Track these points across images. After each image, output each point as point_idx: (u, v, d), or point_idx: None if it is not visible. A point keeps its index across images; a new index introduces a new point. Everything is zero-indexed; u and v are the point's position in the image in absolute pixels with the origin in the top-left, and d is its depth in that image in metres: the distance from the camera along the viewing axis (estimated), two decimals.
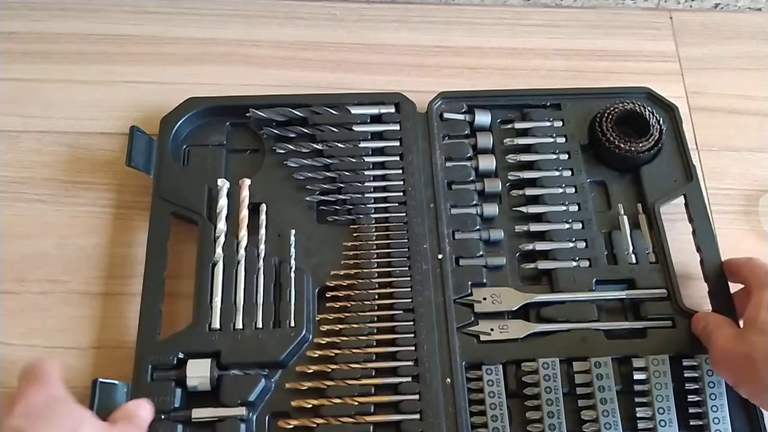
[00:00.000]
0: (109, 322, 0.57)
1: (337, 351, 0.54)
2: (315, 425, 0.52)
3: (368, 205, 0.61)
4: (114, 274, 0.59)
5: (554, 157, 0.64)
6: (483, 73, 0.72)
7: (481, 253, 0.59)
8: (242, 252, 0.58)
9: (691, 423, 0.54)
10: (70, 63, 0.70)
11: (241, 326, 0.55)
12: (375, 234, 0.60)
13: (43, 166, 0.64)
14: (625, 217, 0.62)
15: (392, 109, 0.65)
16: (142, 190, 0.62)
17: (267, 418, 0.53)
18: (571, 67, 0.72)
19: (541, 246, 0.60)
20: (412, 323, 0.56)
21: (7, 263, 0.59)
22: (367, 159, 0.63)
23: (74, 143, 0.65)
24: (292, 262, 0.58)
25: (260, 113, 0.63)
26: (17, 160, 0.64)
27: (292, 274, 0.57)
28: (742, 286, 0.57)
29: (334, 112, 0.64)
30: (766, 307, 0.50)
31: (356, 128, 0.64)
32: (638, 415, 0.54)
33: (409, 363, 0.54)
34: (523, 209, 0.62)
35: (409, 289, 0.57)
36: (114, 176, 0.64)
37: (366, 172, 0.62)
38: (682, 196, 0.62)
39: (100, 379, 0.51)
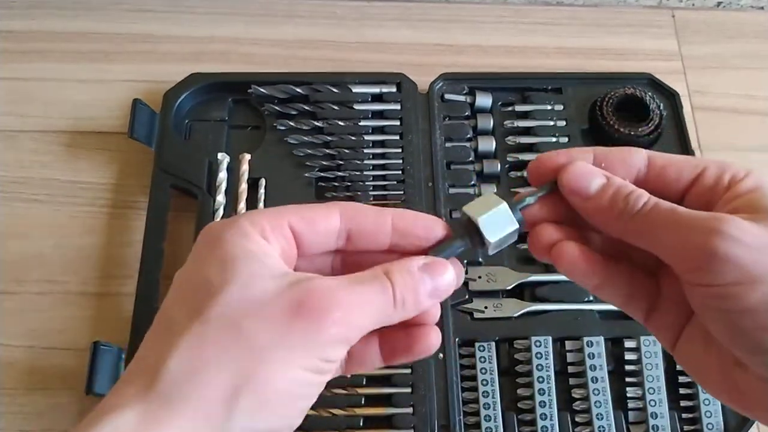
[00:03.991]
0: (107, 323, 0.57)
1: None
2: None
3: (366, 183, 0.61)
4: (112, 274, 0.59)
5: (554, 140, 0.64)
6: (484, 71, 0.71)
7: None
8: None
9: (681, 404, 0.54)
10: (68, 62, 0.69)
11: None
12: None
13: (42, 165, 0.64)
14: None
15: (393, 89, 0.65)
16: (141, 190, 0.62)
17: None
18: (573, 66, 0.71)
19: None
20: None
21: (5, 263, 0.59)
22: (367, 137, 0.63)
23: (72, 143, 0.65)
24: None
25: (262, 90, 0.64)
26: (15, 160, 0.64)
27: None
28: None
29: (336, 90, 0.64)
30: None
31: (357, 107, 0.64)
32: (628, 395, 0.54)
33: None
34: (521, 190, 0.62)
35: None
36: (112, 176, 0.63)
37: (365, 150, 0.63)
38: None
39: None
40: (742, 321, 0.27)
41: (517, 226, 0.31)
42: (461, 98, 0.66)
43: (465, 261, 0.58)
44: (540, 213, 0.33)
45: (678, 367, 0.55)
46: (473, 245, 0.32)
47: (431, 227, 0.32)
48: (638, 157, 0.32)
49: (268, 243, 0.29)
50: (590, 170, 0.31)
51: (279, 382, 0.27)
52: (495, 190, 0.62)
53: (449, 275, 0.31)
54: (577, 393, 0.54)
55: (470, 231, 0.31)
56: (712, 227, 0.27)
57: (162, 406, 0.25)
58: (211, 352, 0.26)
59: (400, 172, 0.62)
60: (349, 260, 0.32)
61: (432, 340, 0.33)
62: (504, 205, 0.31)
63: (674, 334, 0.32)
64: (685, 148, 0.64)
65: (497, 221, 0.31)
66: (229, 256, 0.28)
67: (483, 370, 0.54)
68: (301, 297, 0.27)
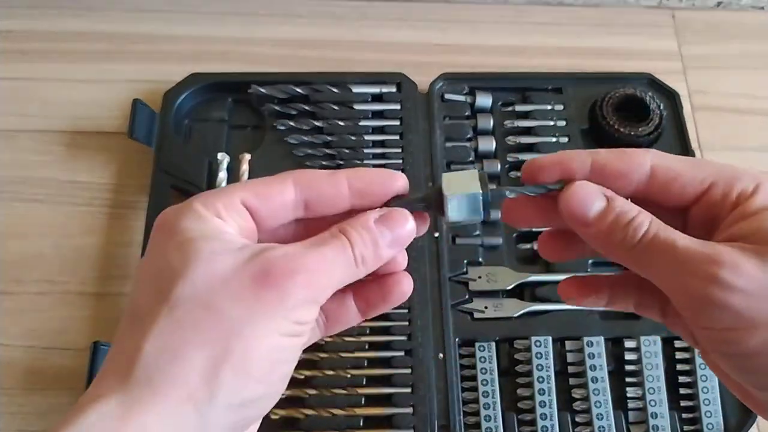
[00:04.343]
0: (107, 323, 0.57)
1: None
2: (307, 395, 0.52)
3: None
4: (111, 274, 0.59)
5: (554, 140, 0.64)
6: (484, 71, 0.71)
7: (477, 232, 0.60)
8: None
9: (681, 404, 0.54)
10: (67, 62, 0.69)
11: None
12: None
13: (41, 165, 0.63)
14: None
15: (393, 89, 0.65)
16: (140, 190, 0.62)
17: None
18: (573, 66, 0.71)
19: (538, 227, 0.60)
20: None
21: (4, 263, 0.59)
22: (367, 137, 0.63)
23: (72, 143, 0.65)
24: None
25: (262, 90, 0.64)
26: (14, 160, 0.64)
27: None
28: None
29: (336, 90, 0.64)
30: None
31: (357, 107, 0.64)
32: (628, 395, 0.54)
33: (403, 338, 0.55)
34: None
35: None
36: (111, 176, 0.63)
37: (365, 150, 0.62)
38: None
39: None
40: (745, 363, 0.28)
41: (481, 217, 0.31)
42: (461, 98, 0.66)
43: (465, 261, 0.58)
44: (533, 215, 0.33)
45: (678, 367, 0.55)
46: (434, 211, 0.31)
47: (387, 183, 0.31)
48: (640, 169, 0.30)
49: (224, 222, 0.29)
50: (590, 193, 0.30)
51: (257, 352, 0.27)
52: (495, 187, 0.62)
53: (409, 224, 0.31)
54: (577, 393, 0.54)
55: (437, 199, 0.31)
56: (708, 273, 0.26)
57: (143, 391, 0.25)
58: (185, 333, 0.26)
59: (400, 172, 0.62)
60: (312, 226, 0.32)
61: (404, 286, 0.33)
62: (478, 195, 0.30)
63: (692, 334, 0.31)
64: (685, 148, 0.64)
65: (466, 205, 0.31)
66: (186, 239, 0.28)
67: (483, 370, 0.54)
68: (264, 267, 0.27)
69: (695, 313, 0.28)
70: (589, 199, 0.30)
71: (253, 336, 0.27)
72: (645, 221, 0.29)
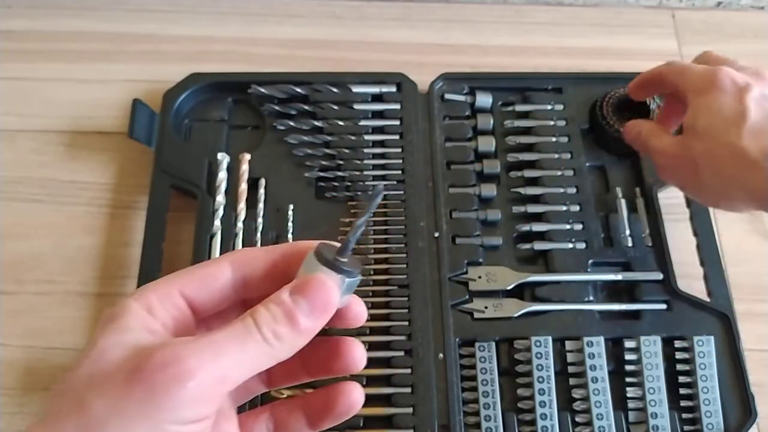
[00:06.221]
0: None
1: None
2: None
3: (367, 183, 0.61)
4: (111, 274, 0.59)
5: (554, 140, 0.64)
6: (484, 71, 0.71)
7: (477, 232, 0.60)
8: (240, 225, 0.58)
9: (681, 404, 0.54)
10: (68, 62, 0.69)
11: None
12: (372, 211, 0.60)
13: (41, 165, 0.64)
14: (623, 201, 0.62)
15: (393, 89, 0.65)
16: (141, 190, 0.62)
17: None
18: (573, 66, 0.71)
19: (537, 227, 0.60)
20: (406, 299, 0.56)
21: (4, 264, 0.59)
22: (366, 137, 0.63)
23: (72, 142, 0.65)
24: (290, 236, 0.58)
25: (262, 90, 0.64)
26: (14, 160, 0.64)
27: None
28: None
29: (336, 90, 0.64)
30: (704, 112, 0.49)
31: (357, 106, 0.64)
32: (628, 395, 0.54)
33: (403, 337, 0.55)
34: (521, 190, 0.62)
35: (405, 266, 0.57)
36: (112, 176, 0.63)
37: (365, 150, 0.63)
38: None
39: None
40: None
41: (338, 272, 0.29)
42: (461, 98, 0.66)
43: (465, 261, 0.58)
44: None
45: (678, 367, 0.55)
46: None
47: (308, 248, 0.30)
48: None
49: (151, 317, 0.28)
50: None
51: None
52: (495, 192, 0.62)
53: (325, 289, 0.28)
54: (577, 393, 0.54)
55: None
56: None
57: None
58: (58, 425, 0.26)
59: (400, 172, 0.62)
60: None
61: (352, 396, 0.32)
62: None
63: None
64: None
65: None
66: (97, 334, 0.28)
67: (483, 370, 0.54)
68: (138, 362, 0.26)
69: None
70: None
71: None
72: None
